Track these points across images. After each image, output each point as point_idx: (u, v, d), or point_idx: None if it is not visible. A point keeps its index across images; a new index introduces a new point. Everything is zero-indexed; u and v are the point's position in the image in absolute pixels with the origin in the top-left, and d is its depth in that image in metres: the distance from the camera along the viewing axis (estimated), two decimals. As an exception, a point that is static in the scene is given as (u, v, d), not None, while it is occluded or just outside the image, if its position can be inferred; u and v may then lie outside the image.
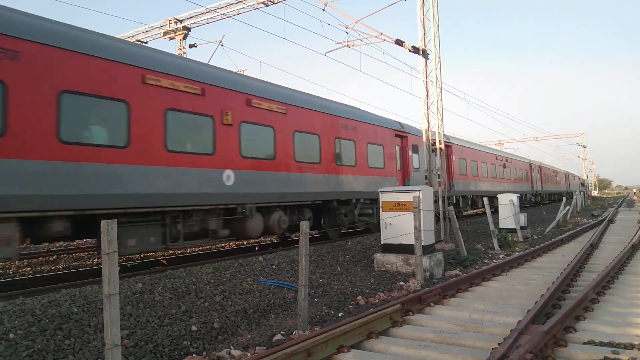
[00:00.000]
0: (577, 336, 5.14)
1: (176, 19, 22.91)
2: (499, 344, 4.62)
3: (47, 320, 5.81)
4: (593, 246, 12.78)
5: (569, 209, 27.94)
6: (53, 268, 12.05)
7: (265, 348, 5.63)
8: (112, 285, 4.09)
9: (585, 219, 27.61)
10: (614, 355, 4.49)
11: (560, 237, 15.75)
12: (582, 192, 49.29)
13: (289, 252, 10.98)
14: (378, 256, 10.67)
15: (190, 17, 22.69)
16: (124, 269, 10.47)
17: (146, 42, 23.60)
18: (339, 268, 10.42)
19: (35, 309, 6.03)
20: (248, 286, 8.30)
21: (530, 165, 42.76)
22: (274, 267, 9.64)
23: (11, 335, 5.35)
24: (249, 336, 6.41)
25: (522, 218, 18.03)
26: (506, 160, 34.75)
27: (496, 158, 32.41)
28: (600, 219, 26.15)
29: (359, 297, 8.15)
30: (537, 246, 13.35)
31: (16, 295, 7.29)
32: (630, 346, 4.73)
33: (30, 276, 10.83)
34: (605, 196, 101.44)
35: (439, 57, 15.74)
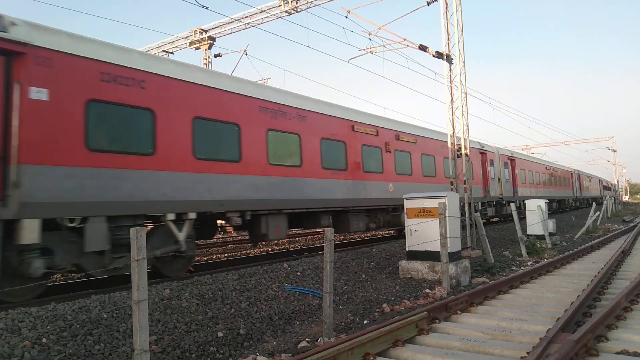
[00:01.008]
0: (609, 345, 5.02)
1: (201, 29, 23.25)
2: (528, 353, 4.55)
3: (77, 326, 5.94)
4: (624, 253, 12.46)
5: (599, 214, 27.31)
6: (83, 274, 12.29)
7: (290, 355, 5.65)
8: (141, 292, 4.17)
9: (616, 225, 26.91)
10: (649, 366, 4.38)
11: (590, 243, 15.42)
12: (612, 197, 50.21)
13: (312, 259, 11.00)
14: (403, 263, 10.60)
15: (215, 27, 22.99)
16: (151, 275, 10.63)
17: (172, 53, 24.04)
18: (363, 275, 10.38)
19: (66, 315, 6.18)
20: (273, 293, 8.34)
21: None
22: (298, 273, 9.66)
23: (44, 340, 5.48)
24: (275, 343, 6.44)
25: (551, 224, 17.71)
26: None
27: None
28: (632, 224, 25.47)
29: (385, 305, 8.11)
30: (566, 253, 13.09)
31: (48, 301, 7.47)
32: (666, 356, 4.60)
33: (61, 282, 11.08)
34: (637, 201, 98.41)
35: (464, 62, 15.62)
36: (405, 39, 17.02)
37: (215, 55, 24.03)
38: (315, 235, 22.09)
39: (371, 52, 17.95)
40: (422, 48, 16.19)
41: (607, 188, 75.77)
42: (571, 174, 47.28)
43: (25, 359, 5.09)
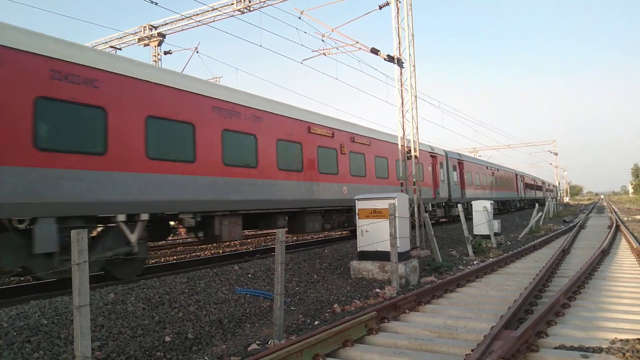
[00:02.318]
0: (548, 341, 5.23)
1: (151, 25, 22.68)
2: (472, 350, 4.67)
3: (14, 333, 5.66)
4: (564, 252, 13.03)
5: (542, 215, 28.47)
6: (22, 279, 11.74)
7: (240, 358, 5.59)
8: (83, 296, 4.01)
9: (557, 226, 28.14)
10: None
11: (532, 243, 16.04)
12: (553, 199, 53.26)
13: (264, 261, 10.92)
14: (354, 263, 10.69)
15: (165, 24, 22.48)
16: (95, 279, 10.26)
17: (120, 49, 23.33)
18: (315, 276, 10.40)
19: (2, 322, 5.87)
20: (223, 295, 8.22)
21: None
22: (249, 275, 9.57)
23: (-24, 349, 5.19)
24: (224, 346, 6.34)
25: (496, 224, 18.31)
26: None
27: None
28: (571, 225, 26.70)
29: (335, 305, 8.15)
30: (510, 252, 13.56)
31: (-18, 307, 7.07)
32: (599, 350, 4.84)
33: (-2, 287, 10.52)
34: (576, 202, 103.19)
35: (414, 66, 15.92)
36: (357, 42, 17.23)
37: (165, 53, 23.47)
38: (268, 237, 21.96)
39: (324, 54, 18.06)
40: (374, 51, 16.40)
41: (549, 190, 78.54)
42: (515, 176, 48.89)
43: (-45, 369, 4.81)
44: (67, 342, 5.69)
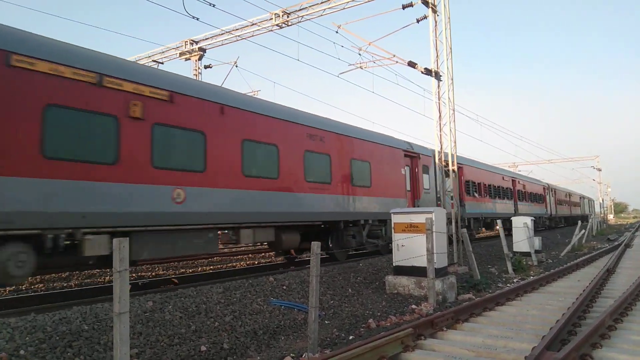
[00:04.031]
0: (593, 364, 5.02)
1: (192, 40, 23.27)
2: (513, 371, 4.53)
3: (57, 338, 5.81)
4: (609, 271, 12.55)
5: (585, 232, 27.56)
6: (65, 285, 12.11)
7: (274, 370, 5.57)
8: (123, 304, 4.09)
9: (600, 244, 27.16)
10: (633, 385, 4.38)
11: (575, 261, 15.50)
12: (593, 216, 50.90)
13: (299, 273, 10.92)
14: (390, 278, 10.56)
15: (206, 39, 23.01)
16: (134, 287, 10.48)
17: (162, 63, 24.00)
18: (350, 290, 10.32)
19: (46, 326, 6.05)
20: (258, 307, 8.25)
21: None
22: (284, 287, 9.58)
23: (22, 352, 5.36)
24: (259, 358, 6.35)
25: (537, 241, 17.81)
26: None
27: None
28: (616, 243, 25.72)
29: (370, 320, 8.06)
30: (552, 270, 13.14)
31: (28, 311, 7.30)
32: (649, 376, 4.61)
33: (42, 292, 10.88)
34: (622, 221, 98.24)
35: (452, 79, 15.76)
36: (394, 55, 17.19)
37: (206, 67, 23.99)
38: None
39: (361, 68, 18.10)
40: (411, 64, 16.34)
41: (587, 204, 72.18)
42: (544, 188, 42.88)
43: (1, 371, 4.96)
44: (107, 348, 5.80)
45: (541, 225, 38.03)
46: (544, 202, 41.83)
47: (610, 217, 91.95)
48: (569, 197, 55.97)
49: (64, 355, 5.49)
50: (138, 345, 6.06)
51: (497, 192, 29.18)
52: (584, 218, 56.54)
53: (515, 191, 33.01)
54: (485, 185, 27.07)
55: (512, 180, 33.05)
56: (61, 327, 6.10)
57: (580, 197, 64.84)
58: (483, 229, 27.39)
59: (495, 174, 29.78)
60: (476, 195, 25.58)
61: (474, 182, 25.41)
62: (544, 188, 42.27)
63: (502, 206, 29.71)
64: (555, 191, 47.53)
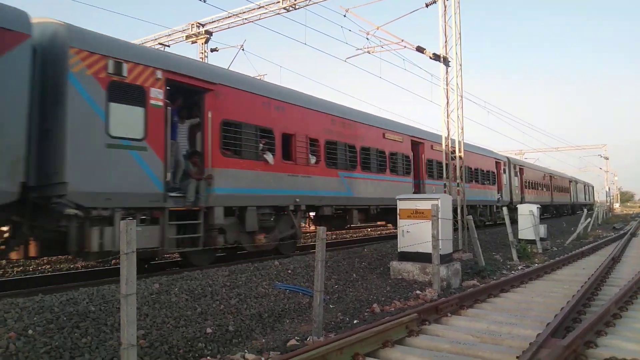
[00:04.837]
0: (598, 352, 5.01)
1: (198, 23, 23.13)
2: (517, 357, 4.54)
3: (65, 318, 5.87)
4: (615, 260, 12.52)
5: (590, 221, 27.47)
6: (72, 266, 12.21)
7: (279, 353, 5.61)
8: (130, 285, 4.11)
9: (606, 233, 27.08)
10: (637, 373, 4.38)
11: (580, 249, 15.49)
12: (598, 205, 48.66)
13: (304, 257, 10.97)
14: (394, 264, 10.59)
15: (213, 22, 22.87)
16: (141, 269, 10.55)
17: (168, 46, 23.89)
18: (354, 275, 10.36)
19: (53, 307, 6.11)
20: (263, 290, 8.30)
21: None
22: (289, 271, 9.62)
23: (30, 332, 5.41)
24: (264, 340, 6.40)
25: (542, 229, 17.79)
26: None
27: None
28: (622, 232, 25.64)
29: (375, 305, 8.09)
30: (557, 258, 13.14)
31: (35, 292, 7.38)
32: (654, 364, 4.61)
33: (49, 274, 10.98)
34: (628, 211, 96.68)
35: (460, 65, 15.62)
36: (402, 40, 17.03)
37: (212, 50, 23.89)
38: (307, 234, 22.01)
39: (368, 52, 17.95)
40: (420, 50, 16.19)
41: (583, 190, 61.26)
42: (497, 163, 29.17)
43: (10, 350, 5.02)
44: (114, 329, 5.86)
45: (489, 216, 26.07)
46: (497, 183, 27.68)
47: (616, 206, 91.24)
48: (550, 180, 41.72)
49: (71, 336, 5.54)
50: (144, 326, 6.11)
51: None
52: (574, 207, 51.05)
53: (422, 162, 19.93)
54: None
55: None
56: (68, 307, 6.15)
57: (570, 181, 52.45)
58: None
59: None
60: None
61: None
62: (497, 163, 28.05)
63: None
64: (521, 169, 33.13)
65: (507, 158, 30.83)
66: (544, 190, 38.96)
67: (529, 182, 34.29)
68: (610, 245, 18.05)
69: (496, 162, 27.81)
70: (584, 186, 61.51)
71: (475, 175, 24.21)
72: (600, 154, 74.47)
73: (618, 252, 13.87)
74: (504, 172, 28.76)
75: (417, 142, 19.48)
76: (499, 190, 27.47)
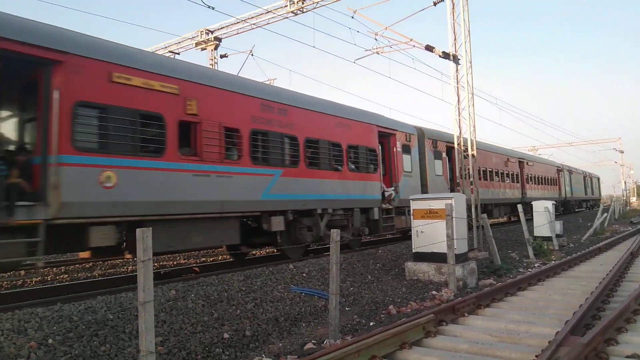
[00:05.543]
0: (619, 349, 4.95)
1: (207, 29, 23.25)
2: (536, 356, 4.50)
3: (83, 327, 5.93)
4: (633, 255, 12.35)
5: (607, 216, 27.13)
6: (89, 275, 12.33)
7: (296, 357, 5.62)
8: (147, 293, 4.14)
9: (623, 227, 26.72)
10: (660, 370, 4.31)
11: (597, 245, 15.31)
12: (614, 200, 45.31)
13: (318, 260, 10.96)
14: (409, 265, 10.54)
15: (222, 28, 22.96)
16: (157, 276, 10.62)
17: (178, 53, 24.05)
18: (369, 276, 10.34)
19: (72, 315, 6.17)
20: (279, 294, 8.31)
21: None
22: (304, 275, 9.63)
23: (50, 341, 5.48)
24: (281, 344, 6.41)
25: (558, 226, 17.60)
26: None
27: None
28: (639, 227, 25.28)
29: (391, 307, 8.07)
30: (573, 255, 13.00)
31: (54, 301, 7.46)
32: (677, 360, 4.53)
33: (67, 283, 11.10)
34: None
35: (470, 62, 15.54)
36: (411, 39, 16.98)
37: (222, 56, 24.01)
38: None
39: (377, 53, 17.93)
40: (429, 48, 16.14)
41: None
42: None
43: (31, 359, 5.08)
44: (132, 336, 5.91)
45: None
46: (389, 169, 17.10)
47: (633, 199, 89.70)
48: (519, 166, 29.26)
49: (90, 344, 5.61)
50: (162, 333, 6.16)
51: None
52: (567, 204, 38.79)
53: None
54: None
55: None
56: (87, 316, 6.22)
57: (559, 170, 38.63)
58: None
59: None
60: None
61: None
62: (386, 135, 16.40)
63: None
64: (451, 149, 18.43)
65: (419, 128, 18.80)
66: (507, 181, 26.50)
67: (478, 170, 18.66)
68: (628, 240, 17.82)
69: (381, 133, 15.89)
70: (584, 177, 48.59)
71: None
72: (615, 147, 73.47)
73: (636, 247, 13.68)
74: (404, 151, 17.04)
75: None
76: (394, 180, 16.30)
